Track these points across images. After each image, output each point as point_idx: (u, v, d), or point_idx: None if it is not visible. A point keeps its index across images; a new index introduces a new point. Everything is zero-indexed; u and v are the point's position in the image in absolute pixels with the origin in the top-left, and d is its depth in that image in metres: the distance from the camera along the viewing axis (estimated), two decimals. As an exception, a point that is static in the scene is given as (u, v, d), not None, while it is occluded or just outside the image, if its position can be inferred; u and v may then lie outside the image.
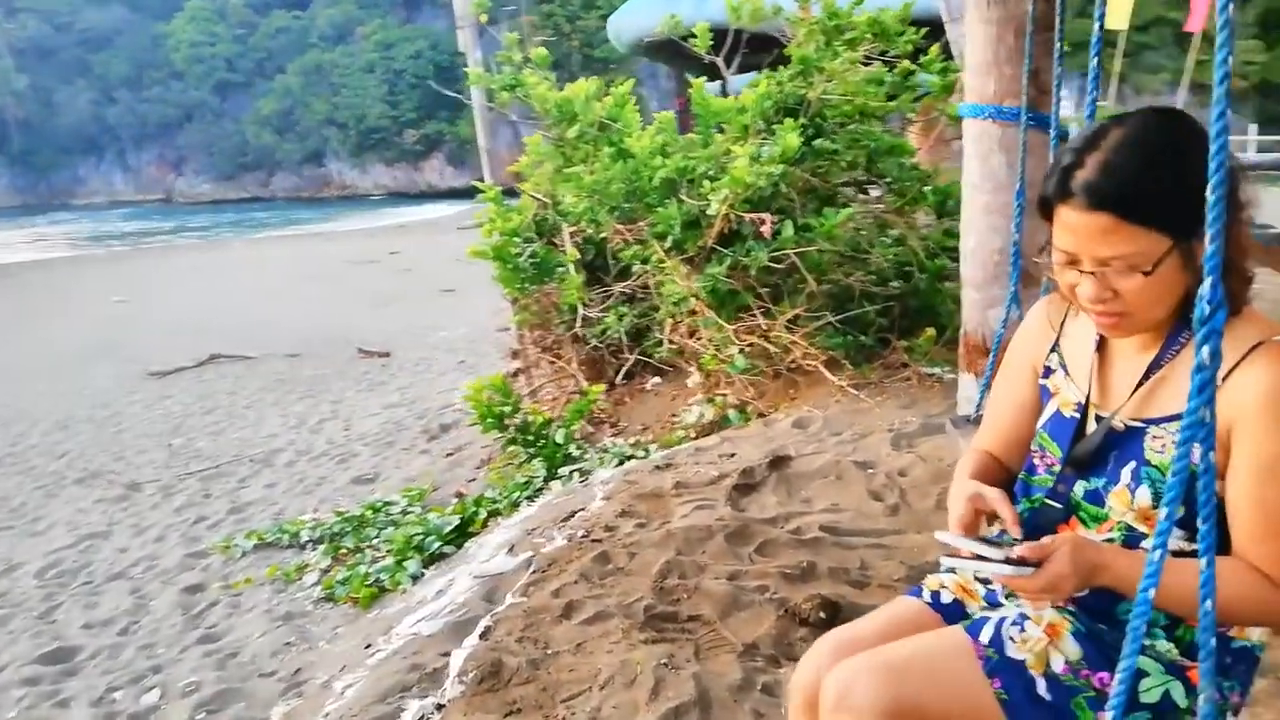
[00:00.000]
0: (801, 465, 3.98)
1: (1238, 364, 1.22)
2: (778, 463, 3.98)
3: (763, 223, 5.10)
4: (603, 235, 6.14)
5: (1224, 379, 1.19)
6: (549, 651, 2.61)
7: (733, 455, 4.20)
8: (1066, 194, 1.26)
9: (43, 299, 18.77)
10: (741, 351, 5.27)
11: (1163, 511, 1.03)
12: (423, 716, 2.45)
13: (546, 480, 5.06)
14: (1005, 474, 1.56)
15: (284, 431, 8.26)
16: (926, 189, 5.98)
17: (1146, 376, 1.34)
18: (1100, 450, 1.37)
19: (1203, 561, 1.02)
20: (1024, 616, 1.41)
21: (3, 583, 5.35)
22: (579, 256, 6.20)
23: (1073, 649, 1.36)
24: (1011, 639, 1.39)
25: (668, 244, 5.54)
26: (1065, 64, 2.88)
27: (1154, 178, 1.21)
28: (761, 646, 2.57)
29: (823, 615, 2.67)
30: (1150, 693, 1.32)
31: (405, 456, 7.13)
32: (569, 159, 6.38)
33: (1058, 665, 1.36)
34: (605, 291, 6.32)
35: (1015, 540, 1.33)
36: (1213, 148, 0.95)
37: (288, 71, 64.41)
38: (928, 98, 6.59)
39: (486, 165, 8.08)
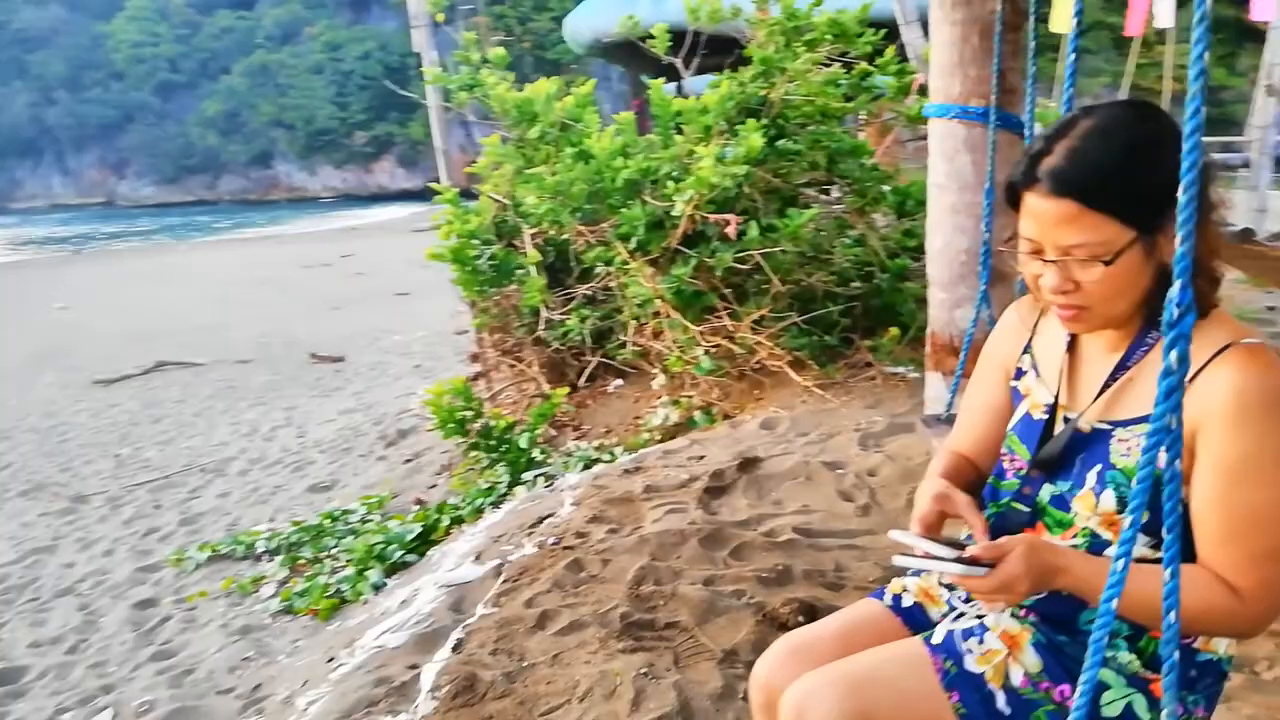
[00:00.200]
0: (771, 467, 3.96)
1: (1204, 366, 1.20)
2: (747, 465, 3.95)
3: (728, 224, 5.07)
4: (565, 237, 6.08)
5: (1190, 381, 1.16)
6: (524, 664, 2.54)
7: (702, 457, 4.16)
8: (1032, 180, 1.24)
9: (-20, 306, 18.20)
10: (707, 353, 5.25)
11: (1127, 519, 1.00)
12: (395, 734, 2.37)
13: (511, 486, 4.99)
14: (977, 476, 1.54)
15: (236, 439, 8.06)
16: (886, 189, 6.01)
17: (1114, 378, 1.32)
18: (1066, 453, 1.35)
19: (1167, 572, 0.99)
20: (984, 627, 1.39)
21: (-58, 602, 5.14)
22: (540, 258, 6.12)
23: (1032, 661, 1.34)
24: (970, 651, 1.37)
25: (632, 245, 5.50)
26: (1017, 65, 2.91)
27: (1120, 167, 1.20)
28: (741, 653, 2.53)
29: (801, 619, 2.63)
30: (1112, 706, 1.29)
31: (363, 463, 6.99)
32: (530, 160, 6.30)
33: (1017, 678, 1.34)
34: (567, 294, 6.26)
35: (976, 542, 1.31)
36: (1186, 145, 0.93)
37: (233, 72, 63.30)
38: (883, 99, 6.64)
39: (443, 167, 7.95)
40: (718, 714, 2.28)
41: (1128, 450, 1.28)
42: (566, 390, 5.84)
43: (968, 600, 1.48)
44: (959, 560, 1.23)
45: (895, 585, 1.59)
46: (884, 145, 7.17)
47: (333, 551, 5.08)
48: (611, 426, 5.91)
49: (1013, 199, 1.29)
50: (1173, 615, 0.99)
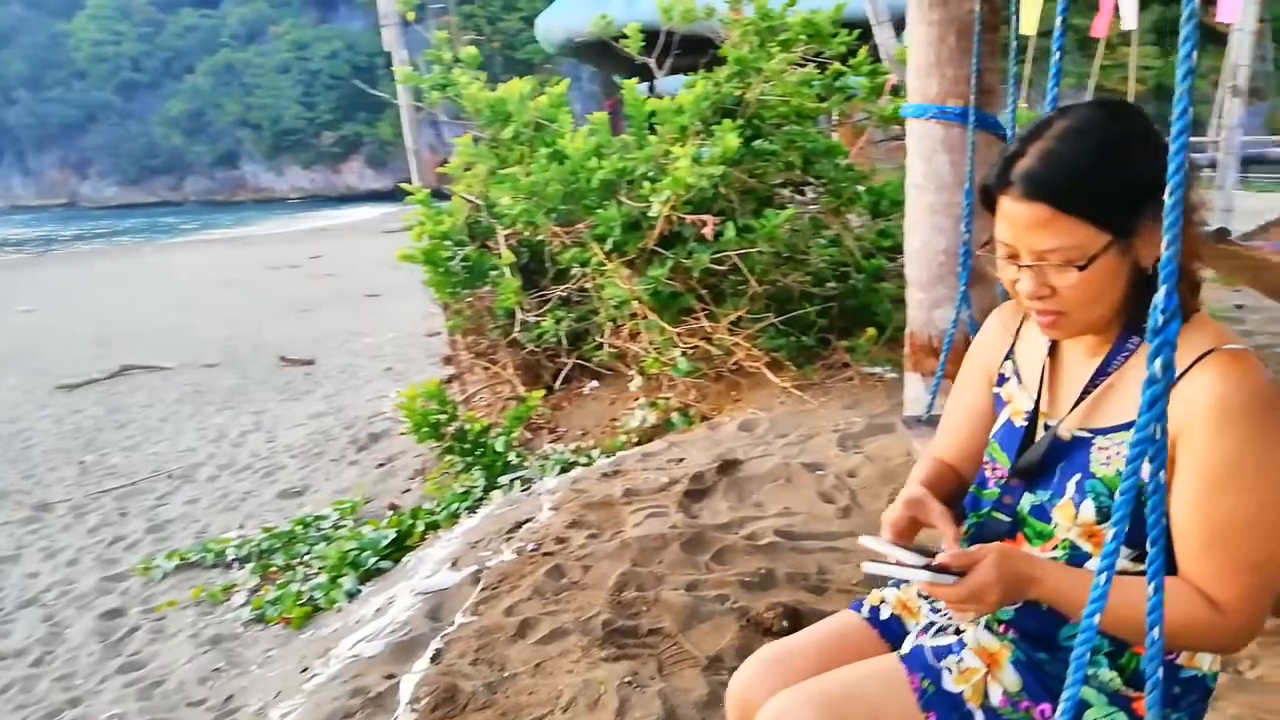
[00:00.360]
0: (751, 469, 3.93)
1: (1185, 372, 1.16)
2: (727, 467, 3.92)
3: (705, 224, 5.05)
4: (539, 238, 6.02)
5: (1171, 387, 1.14)
6: (506, 674, 2.50)
7: (681, 460, 4.13)
8: (1006, 183, 1.21)
9: (-62, 309, 17.80)
10: (684, 354, 5.22)
11: (1110, 532, 0.97)
12: (374, 748, 2.32)
13: (486, 490, 4.93)
14: (960, 483, 1.51)
15: (204, 445, 7.92)
16: (861, 190, 6.01)
17: (1093, 384, 1.29)
18: (1046, 461, 1.32)
19: (1151, 586, 0.96)
20: (962, 644, 1.36)
21: (-100, 614, 5.00)
22: (514, 260, 6.06)
23: (1012, 679, 1.31)
24: (949, 669, 1.34)
25: (608, 246, 5.45)
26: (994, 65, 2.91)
27: (1093, 169, 1.17)
28: (726, 659, 2.49)
29: (786, 624, 2.61)
30: None
31: (334, 468, 6.89)
32: (503, 160, 6.24)
33: (996, 697, 1.31)
34: (541, 295, 6.20)
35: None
36: (1173, 147, 0.91)
37: (197, 71, 62.56)
38: (856, 99, 6.65)
39: (414, 167, 7.86)
40: (704, 722, 2.25)
41: (1107, 459, 1.25)
42: (542, 392, 5.79)
43: (936, 609, 1.45)
44: (927, 568, 1.20)
45: (874, 597, 1.56)
46: (857, 146, 7.18)
47: (305, 558, 5.00)
48: (588, 429, 5.87)
49: (988, 202, 1.26)
50: (1156, 631, 0.96)
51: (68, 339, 13.36)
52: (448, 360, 7.81)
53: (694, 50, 7.40)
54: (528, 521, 3.65)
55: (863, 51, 6.44)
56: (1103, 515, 1.24)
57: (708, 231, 5.06)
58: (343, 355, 11.34)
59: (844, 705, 1.32)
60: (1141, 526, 0.98)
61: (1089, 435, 1.28)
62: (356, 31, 58.78)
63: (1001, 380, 1.47)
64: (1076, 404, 1.31)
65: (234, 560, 5.22)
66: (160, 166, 63.43)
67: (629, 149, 5.84)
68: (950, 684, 1.32)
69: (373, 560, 4.52)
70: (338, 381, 9.99)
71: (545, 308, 6.07)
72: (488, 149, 6.32)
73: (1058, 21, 2.05)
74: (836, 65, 6.38)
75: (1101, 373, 1.28)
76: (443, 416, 5.16)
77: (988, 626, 1.37)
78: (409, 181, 7.02)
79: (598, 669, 2.45)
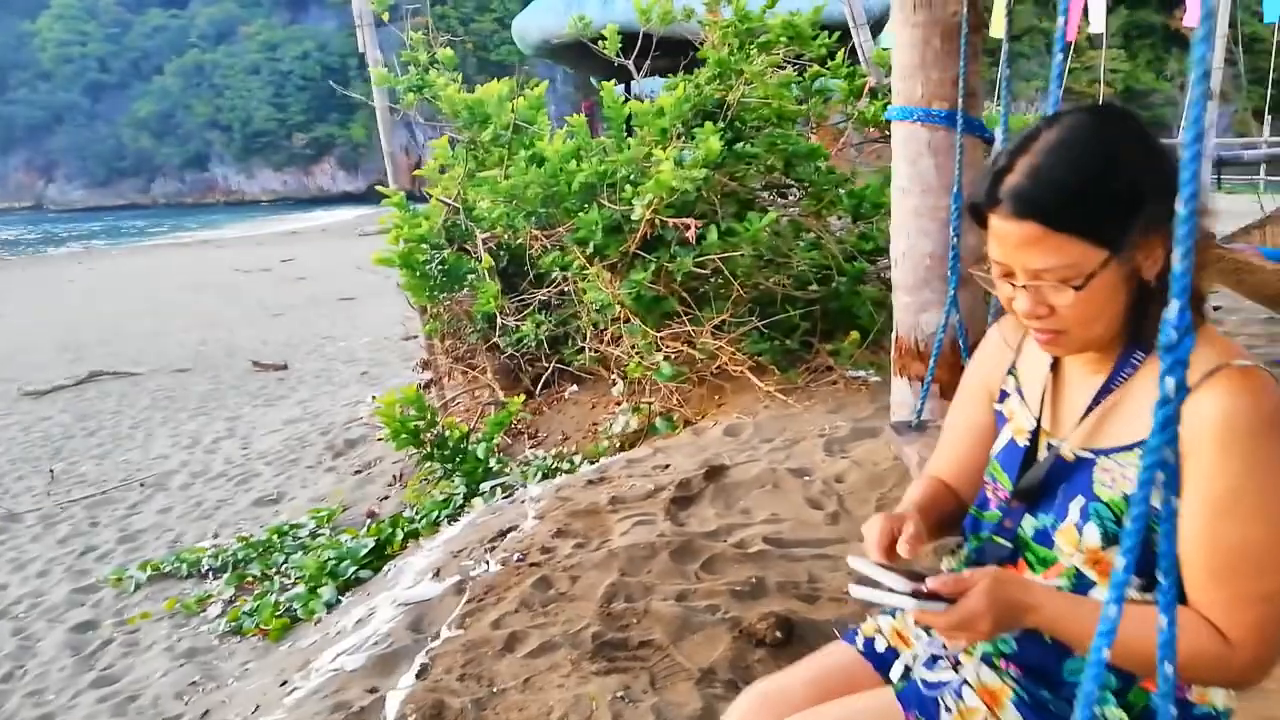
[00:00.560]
0: (737, 475, 3.89)
1: (1192, 390, 1.09)
2: (713, 473, 3.88)
3: (688, 228, 5.01)
4: (519, 241, 5.96)
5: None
6: (494, 689, 2.44)
7: (666, 466, 4.09)
8: (994, 201, 1.15)
9: (-100, 314, 17.43)
10: (667, 358, 5.17)
11: (1120, 561, 0.89)
12: (360, 768, 2.26)
13: (467, 497, 4.86)
14: (958, 504, 1.45)
15: (176, 452, 7.79)
16: (842, 193, 6.00)
17: (1097, 401, 1.23)
18: (1048, 482, 1.26)
19: (1163, 620, 0.89)
20: (964, 682, 1.31)
21: None
22: (493, 263, 6.00)
23: None
24: (947, 708, 1.29)
25: (589, 250, 5.40)
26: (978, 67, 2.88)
27: (1083, 183, 1.10)
28: (719, 671, 2.45)
29: (779, 635, 2.57)
30: None
31: (311, 475, 6.80)
32: (481, 163, 6.18)
33: None
34: (521, 299, 6.14)
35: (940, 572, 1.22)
36: (1185, 155, 0.83)
37: (166, 72, 61.80)
38: (835, 102, 6.65)
39: (390, 169, 7.77)
40: (699, 737, 2.20)
41: (1111, 481, 1.19)
42: (522, 398, 5.73)
43: (933, 639, 1.40)
44: (916, 594, 1.13)
45: (868, 628, 1.51)
46: (835, 148, 7.17)
47: (282, 568, 4.92)
48: (569, 434, 5.81)
49: (979, 219, 1.20)
50: (1169, 667, 0.90)
51: (34, 344, 13.12)
52: (425, 365, 7.73)
53: (672, 52, 7.35)
54: (511, 530, 3.59)
55: (840, 54, 6.44)
56: (1108, 540, 1.18)
57: (690, 235, 5.02)
58: (317, 360, 11.21)
59: None
60: (1149, 553, 0.93)
61: (1091, 456, 1.23)
62: (328, 32, 58.31)
63: (1003, 396, 1.42)
64: (1080, 422, 1.25)
65: (209, 570, 5.13)
66: (128, 169, 62.61)
67: (609, 152, 5.79)
68: None
69: (352, 570, 4.45)
70: (312, 386, 9.87)
71: (525, 312, 6.01)
72: (465, 151, 6.25)
73: (1059, 22, 2.02)
74: (816, 68, 6.38)
75: (1105, 390, 1.23)
76: (422, 422, 5.09)
77: (989, 661, 1.32)
78: (382, 184, 6.94)
79: (589, 683, 2.40)
